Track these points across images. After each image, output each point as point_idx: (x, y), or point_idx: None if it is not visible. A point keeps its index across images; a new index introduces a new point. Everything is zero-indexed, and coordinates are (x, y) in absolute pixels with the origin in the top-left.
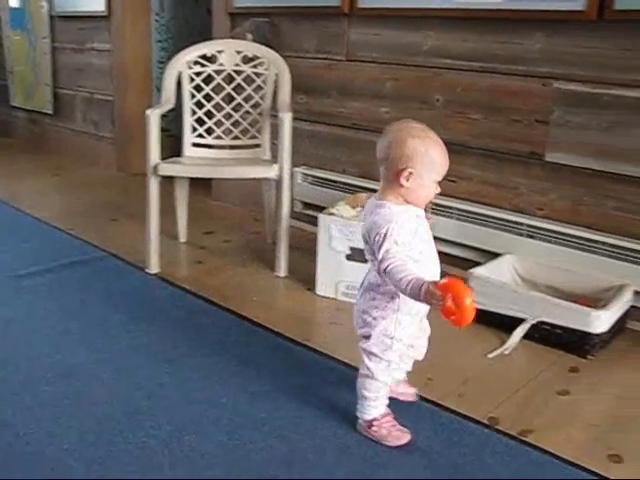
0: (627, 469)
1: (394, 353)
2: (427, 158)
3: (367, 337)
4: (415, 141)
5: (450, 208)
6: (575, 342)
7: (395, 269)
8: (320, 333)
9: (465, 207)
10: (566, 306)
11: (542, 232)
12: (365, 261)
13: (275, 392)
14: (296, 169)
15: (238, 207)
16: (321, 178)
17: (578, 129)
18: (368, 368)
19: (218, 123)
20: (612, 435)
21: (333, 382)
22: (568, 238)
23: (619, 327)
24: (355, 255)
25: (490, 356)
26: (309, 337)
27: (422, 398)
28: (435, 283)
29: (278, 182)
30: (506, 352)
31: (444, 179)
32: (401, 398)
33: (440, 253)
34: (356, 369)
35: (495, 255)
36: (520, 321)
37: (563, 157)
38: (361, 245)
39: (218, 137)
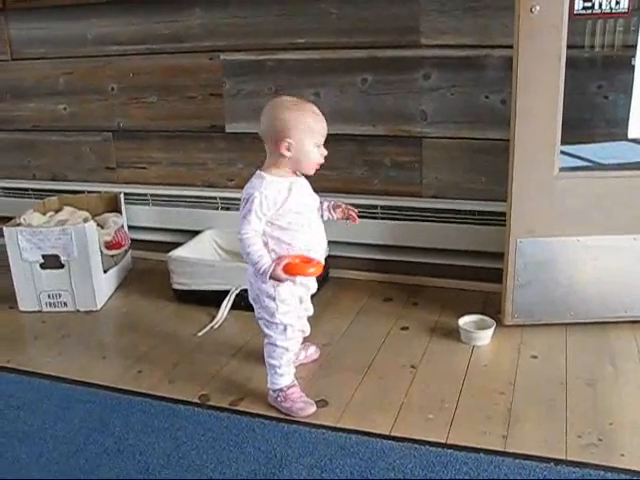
0: (331, 409)
1: (284, 315)
2: (302, 125)
3: (256, 302)
4: (289, 112)
5: (144, 195)
6: None
7: (248, 240)
8: (23, 351)
9: (158, 191)
10: None
11: (236, 202)
12: (61, 266)
13: None
14: None
15: None
16: (12, 188)
17: (250, 97)
18: (267, 335)
19: None
20: (319, 382)
21: (34, 400)
22: None
23: (323, 277)
24: (49, 263)
25: (200, 334)
26: (10, 357)
27: (133, 392)
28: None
29: None
30: (215, 327)
31: (133, 167)
32: (308, 361)
33: (140, 241)
34: (65, 380)
35: (196, 233)
36: (226, 294)
37: (242, 126)
38: (54, 251)
39: None
